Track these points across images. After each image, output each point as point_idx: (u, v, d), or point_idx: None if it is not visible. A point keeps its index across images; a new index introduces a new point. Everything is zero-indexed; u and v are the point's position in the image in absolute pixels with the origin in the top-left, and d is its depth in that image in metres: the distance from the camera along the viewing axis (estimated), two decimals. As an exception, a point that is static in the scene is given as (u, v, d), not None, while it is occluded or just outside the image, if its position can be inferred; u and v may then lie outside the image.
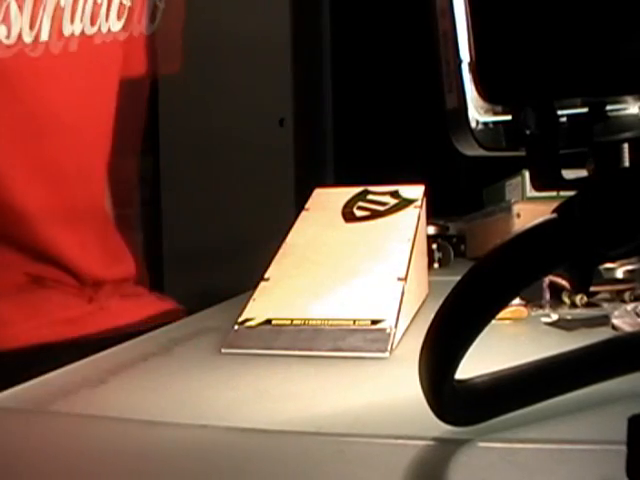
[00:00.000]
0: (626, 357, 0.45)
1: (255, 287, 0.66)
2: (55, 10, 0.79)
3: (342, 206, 0.75)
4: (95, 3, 0.84)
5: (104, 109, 0.91)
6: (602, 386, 0.43)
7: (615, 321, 0.64)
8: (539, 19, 0.35)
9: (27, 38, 0.77)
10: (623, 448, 0.30)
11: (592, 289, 0.74)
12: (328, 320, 0.61)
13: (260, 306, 0.63)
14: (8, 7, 0.74)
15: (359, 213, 0.73)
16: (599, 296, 0.76)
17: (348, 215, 0.73)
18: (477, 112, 0.40)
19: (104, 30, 0.86)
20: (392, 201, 0.74)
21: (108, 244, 0.95)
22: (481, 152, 0.41)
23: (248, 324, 0.62)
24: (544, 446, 0.38)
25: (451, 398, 0.38)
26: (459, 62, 0.38)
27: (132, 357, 0.61)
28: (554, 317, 0.69)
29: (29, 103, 0.82)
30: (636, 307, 0.67)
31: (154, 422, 0.44)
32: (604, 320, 0.65)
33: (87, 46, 0.85)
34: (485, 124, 0.40)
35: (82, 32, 0.83)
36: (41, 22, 0.78)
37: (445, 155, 0.86)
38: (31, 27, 0.77)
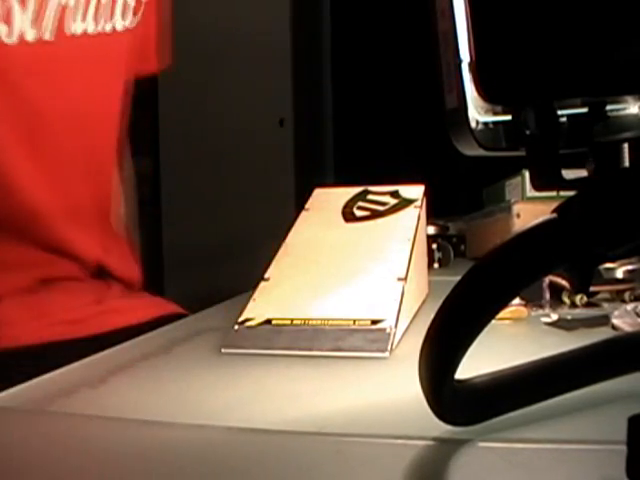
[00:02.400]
0: (626, 357, 0.45)
1: (255, 287, 0.66)
2: (58, 9, 0.79)
3: (342, 206, 0.75)
4: (99, 2, 0.84)
5: (112, 106, 0.91)
6: (602, 386, 0.43)
7: (615, 321, 0.64)
8: (539, 19, 0.35)
9: (29, 37, 0.77)
10: (623, 448, 0.30)
11: (592, 289, 0.74)
12: (328, 320, 0.61)
13: (260, 306, 0.63)
14: (11, 7, 0.74)
15: (359, 213, 0.73)
16: (599, 296, 0.76)
17: (348, 215, 0.73)
18: (477, 112, 0.40)
19: (108, 29, 0.86)
20: (392, 201, 0.74)
21: (118, 245, 0.96)
22: (481, 152, 0.41)
23: (248, 324, 0.62)
24: (544, 446, 0.38)
25: (451, 398, 0.38)
26: (459, 62, 0.38)
27: (132, 357, 0.61)
28: (554, 317, 0.69)
29: (34, 102, 0.81)
30: (636, 307, 0.67)
31: (154, 422, 0.44)
32: (604, 320, 0.65)
33: (92, 44, 0.85)
34: (485, 124, 0.40)
35: (85, 31, 0.83)
36: (43, 21, 0.78)
37: (445, 155, 0.86)
38: (33, 26, 0.77)
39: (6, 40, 0.75)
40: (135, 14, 0.90)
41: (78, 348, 0.69)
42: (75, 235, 0.86)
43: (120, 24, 0.88)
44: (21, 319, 0.82)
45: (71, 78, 0.84)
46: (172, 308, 0.95)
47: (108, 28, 0.86)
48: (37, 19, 0.77)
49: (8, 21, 0.74)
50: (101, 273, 0.91)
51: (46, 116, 0.83)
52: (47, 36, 0.78)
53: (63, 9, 0.79)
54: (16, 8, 0.74)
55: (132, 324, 0.87)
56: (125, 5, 0.88)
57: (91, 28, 0.83)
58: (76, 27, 0.82)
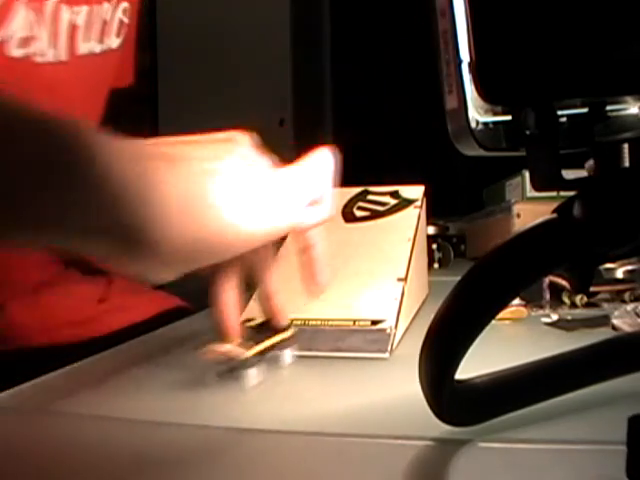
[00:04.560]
0: (626, 357, 0.45)
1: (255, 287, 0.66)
2: (69, 28, 0.78)
3: (342, 206, 0.75)
4: (105, 22, 0.84)
5: (96, 119, 0.90)
6: (602, 386, 0.43)
7: (615, 321, 0.64)
8: (539, 19, 0.35)
9: (50, 57, 0.76)
10: (623, 448, 0.30)
11: (592, 289, 0.74)
12: (328, 320, 0.61)
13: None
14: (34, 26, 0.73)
15: (359, 213, 0.73)
16: (599, 296, 0.76)
17: (348, 215, 0.73)
18: (477, 112, 0.40)
19: (105, 47, 0.85)
20: (392, 201, 0.74)
21: None
22: (481, 152, 0.41)
23: (248, 324, 0.62)
24: (544, 446, 0.38)
25: (451, 398, 0.38)
26: (459, 62, 0.38)
27: (132, 357, 0.61)
28: (554, 317, 0.69)
29: None
30: (636, 307, 0.67)
31: (154, 422, 0.44)
32: (604, 320, 0.65)
33: (95, 63, 0.84)
34: (485, 124, 0.40)
35: (91, 51, 0.82)
36: (59, 41, 0.77)
37: (445, 155, 0.86)
38: (50, 45, 0.76)
39: (38, 59, 0.74)
40: (122, 33, 0.89)
41: (85, 349, 0.71)
42: None
43: (115, 42, 0.87)
44: (28, 321, 0.84)
45: (74, 97, 0.82)
46: (175, 302, 0.96)
47: (109, 46, 0.86)
48: (54, 38, 0.76)
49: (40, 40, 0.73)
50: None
51: None
52: (63, 57, 0.78)
53: (74, 28, 0.78)
54: (36, 28, 0.73)
55: (136, 321, 0.88)
56: (121, 23, 0.87)
57: (97, 48, 0.83)
58: (84, 47, 0.81)
